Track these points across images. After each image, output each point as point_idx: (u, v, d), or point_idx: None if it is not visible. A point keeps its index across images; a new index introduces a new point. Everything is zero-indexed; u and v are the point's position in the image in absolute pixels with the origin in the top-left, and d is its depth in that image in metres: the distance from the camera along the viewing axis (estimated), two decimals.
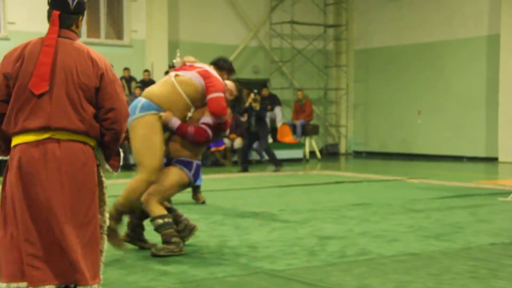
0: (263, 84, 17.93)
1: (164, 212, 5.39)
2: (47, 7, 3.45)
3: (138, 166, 5.38)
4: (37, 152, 3.29)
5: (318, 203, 8.58)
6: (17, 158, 3.32)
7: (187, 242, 5.70)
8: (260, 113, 13.50)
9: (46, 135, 3.31)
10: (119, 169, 3.66)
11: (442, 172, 13.22)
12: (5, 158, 3.52)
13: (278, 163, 13.63)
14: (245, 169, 13.42)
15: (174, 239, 5.33)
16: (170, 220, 5.38)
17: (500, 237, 6.15)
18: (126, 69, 15.37)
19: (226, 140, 15.32)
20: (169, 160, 5.59)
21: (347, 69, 19.80)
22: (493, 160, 16.26)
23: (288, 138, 17.24)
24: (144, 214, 5.55)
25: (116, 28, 16.22)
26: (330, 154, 19.27)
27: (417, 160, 16.88)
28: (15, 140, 3.36)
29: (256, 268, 4.94)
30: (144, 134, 5.29)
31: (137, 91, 13.76)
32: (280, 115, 17.47)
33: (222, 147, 15.17)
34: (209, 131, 5.54)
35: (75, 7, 3.42)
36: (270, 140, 16.93)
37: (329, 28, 19.76)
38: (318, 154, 17.81)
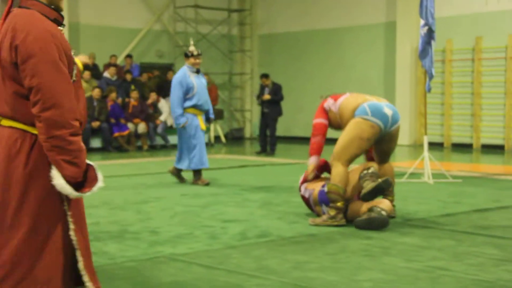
0: (167, 68, 17.79)
1: None
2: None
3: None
4: None
5: (222, 187, 8.66)
6: None
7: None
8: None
9: None
10: (90, 192, 2.74)
11: None
12: None
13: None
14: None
15: None
16: None
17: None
18: None
19: (130, 125, 15.12)
20: None
21: (252, 54, 19.96)
22: None
23: None
24: None
25: None
26: (235, 138, 19.40)
27: None
28: None
29: (156, 253, 4.95)
30: None
31: None
32: None
33: (125, 132, 14.96)
34: None
35: None
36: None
37: (233, 12, 19.82)
38: (223, 138, 17.90)
